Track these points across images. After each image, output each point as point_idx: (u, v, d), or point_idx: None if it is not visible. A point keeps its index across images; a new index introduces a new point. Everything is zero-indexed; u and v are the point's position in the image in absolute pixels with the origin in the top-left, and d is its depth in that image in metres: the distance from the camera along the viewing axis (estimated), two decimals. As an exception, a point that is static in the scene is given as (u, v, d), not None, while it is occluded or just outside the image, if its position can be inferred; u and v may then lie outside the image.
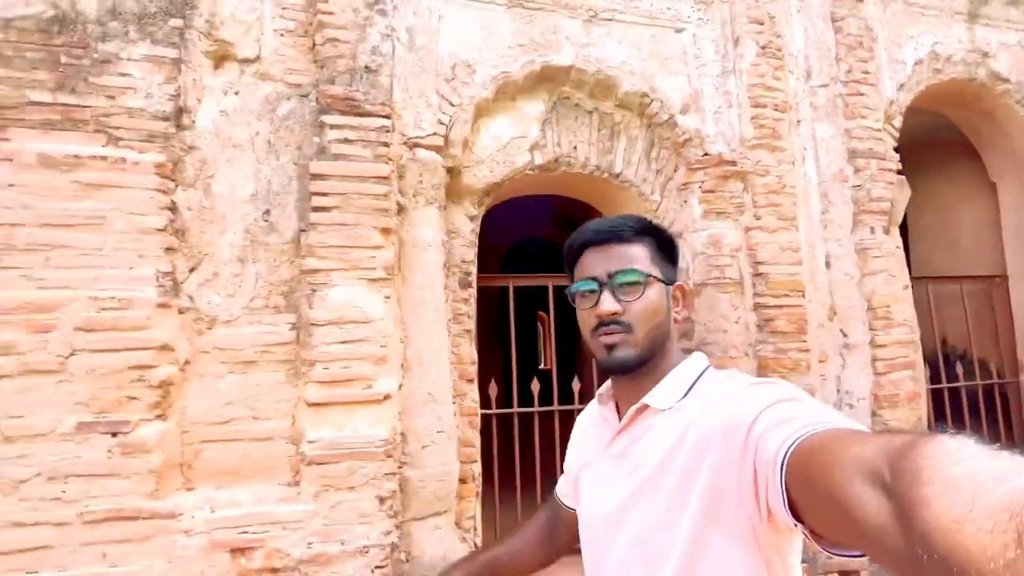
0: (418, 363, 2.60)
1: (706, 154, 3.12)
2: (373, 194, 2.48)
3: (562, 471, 1.08)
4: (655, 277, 0.84)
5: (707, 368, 0.85)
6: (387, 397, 2.41)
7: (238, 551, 2.18)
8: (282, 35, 2.59)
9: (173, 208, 2.31)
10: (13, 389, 2.06)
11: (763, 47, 3.17)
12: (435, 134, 2.73)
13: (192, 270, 2.34)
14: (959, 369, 4.00)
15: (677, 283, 0.88)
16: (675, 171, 3.26)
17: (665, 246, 0.88)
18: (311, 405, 2.34)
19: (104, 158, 2.21)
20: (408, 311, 2.62)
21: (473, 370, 2.92)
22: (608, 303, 0.82)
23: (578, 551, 0.94)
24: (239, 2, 2.51)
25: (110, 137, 2.24)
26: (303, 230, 2.43)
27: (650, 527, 0.76)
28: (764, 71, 3.15)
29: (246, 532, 2.20)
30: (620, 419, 0.87)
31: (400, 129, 2.66)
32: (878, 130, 3.34)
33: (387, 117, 2.56)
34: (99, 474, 2.09)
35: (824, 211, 3.25)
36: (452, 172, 2.85)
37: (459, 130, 2.81)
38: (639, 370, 0.82)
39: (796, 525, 0.58)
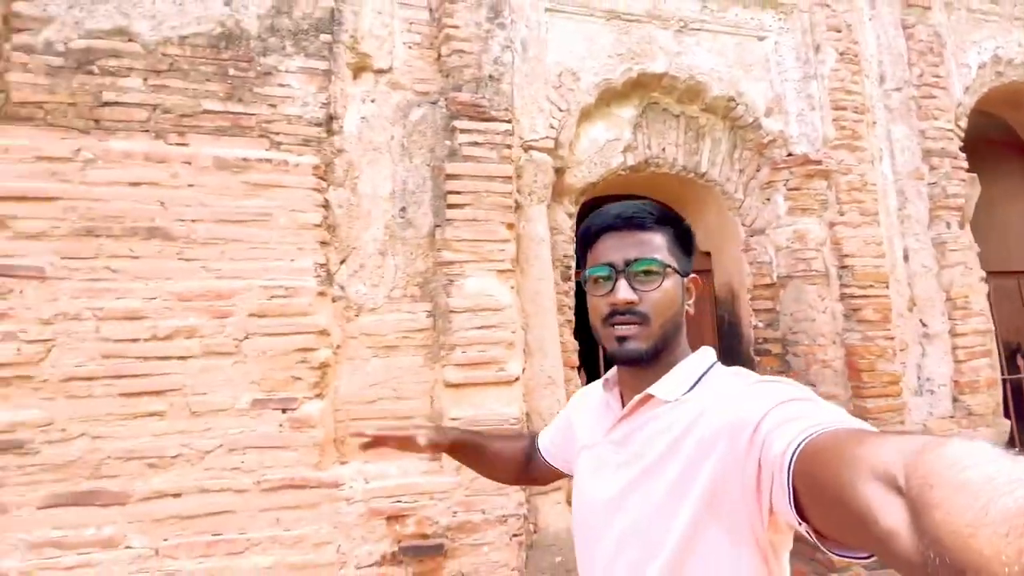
0: (538, 349, 2.80)
1: (790, 154, 3.31)
2: (499, 192, 2.69)
3: (559, 429, 1.12)
4: (673, 268, 0.81)
5: (714, 363, 0.83)
6: (516, 379, 2.61)
7: (393, 518, 2.38)
8: (410, 47, 2.82)
9: (326, 206, 2.53)
10: (197, 368, 2.28)
11: (842, 53, 3.36)
12: (547, 137, 2.94)
13: (342, 262, 2.56)
14: (1019, 361, 4.14)
15: (691, 275, 0.86)
16: (757, 170, 3.46)
17: (683, 237, 0.85)
18: (449, 386, 2.54)
19: (269, 161, 2.44)
20: (527, 300, 2.82)
21: (575, 357, 3.11)
22: (624, 291, 0.79)
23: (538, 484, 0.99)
24: (375, 18, 2.74)
25: (272, 142, 2.47)
26: (438, 225, 2.65)
27: (648, 515, 0.76)
28: (843, 76, 3.34)
29: (399, 501, 2.40)
30: (623, 406, 0.86)
31: (518, 133, 2.87)
32: (949, 130, 3.52)
33: (509, 122, 2.77)
34: (272, 446, 2.31)
35: (901, 207, 3.43)
36: (557, 172, 3.06)
37: (566, 133, 3.02)
38: (649, 362, 0.81)
39: (800, 524, 0.57)
